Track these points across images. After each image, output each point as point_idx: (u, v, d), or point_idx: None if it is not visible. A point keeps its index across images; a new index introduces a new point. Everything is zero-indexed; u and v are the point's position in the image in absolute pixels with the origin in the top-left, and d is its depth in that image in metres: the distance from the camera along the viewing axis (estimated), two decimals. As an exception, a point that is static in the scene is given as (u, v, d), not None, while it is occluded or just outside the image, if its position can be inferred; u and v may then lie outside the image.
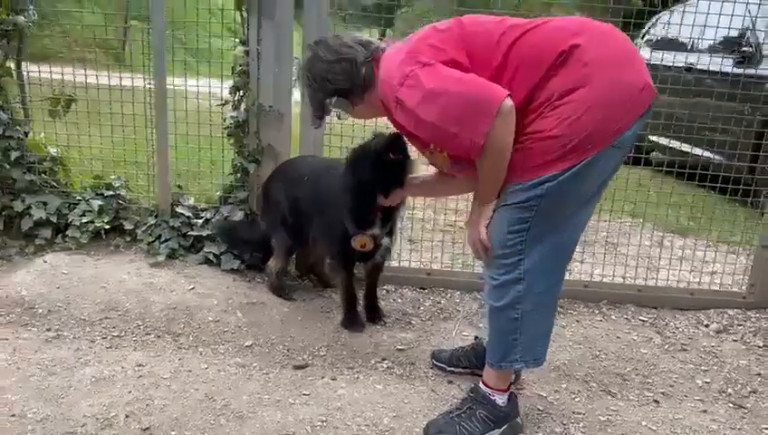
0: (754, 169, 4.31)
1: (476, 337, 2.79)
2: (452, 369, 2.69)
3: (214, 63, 3.49)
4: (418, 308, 3.31)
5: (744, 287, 3.56)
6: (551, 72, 1.91)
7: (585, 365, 2.83)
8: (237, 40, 3.23)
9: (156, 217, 3.45)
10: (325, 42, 2.30)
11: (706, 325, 3.35)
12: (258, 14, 3.13)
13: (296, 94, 3.27)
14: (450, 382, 2.62)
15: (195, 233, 3.39)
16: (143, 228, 3.44)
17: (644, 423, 2.42)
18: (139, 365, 2.49)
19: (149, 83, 3.29)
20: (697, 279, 3.60)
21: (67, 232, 3.42)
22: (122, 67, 3.46)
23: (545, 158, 1.92)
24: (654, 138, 5.53)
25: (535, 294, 2.12)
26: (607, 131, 1.91)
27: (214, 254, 3.35)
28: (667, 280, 3.58)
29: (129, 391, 2.31)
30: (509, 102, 1.87)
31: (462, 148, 1.96)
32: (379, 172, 2.60)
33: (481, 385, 2.28)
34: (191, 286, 3.14)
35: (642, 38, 6.83)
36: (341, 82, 2.21)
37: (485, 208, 2.12)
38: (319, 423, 2.24)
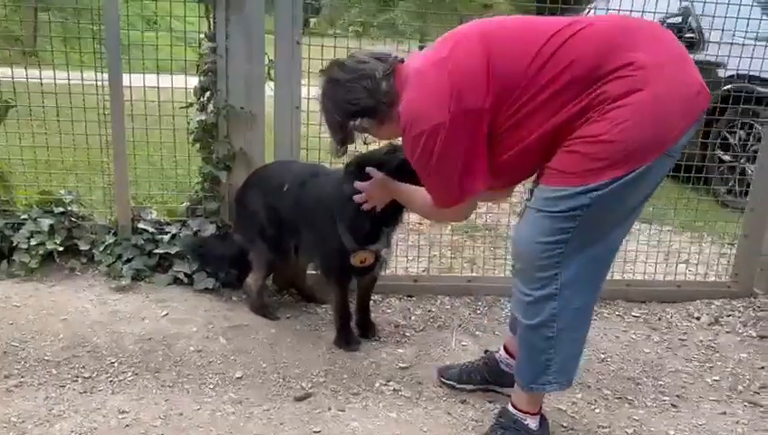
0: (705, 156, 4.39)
1: (486, 350, 2.62)
2: (462, 386, 2.51)
3: (176, 60, 3.14)
4: (410, 318, 3.11)
5: (727, 277, 3.57)
6: (604, 80, 1.74)
7: (594, 371, 2.71)
8: (203, 36, 2.91)
9: (115, 234, 3.10)
10: (339, 62, 2.11)
11: (697, 318, 3.32)
12: (226, 7, 2.83)
13: (269, 92, 3.01)
14: (464, 402, 2.44)
15: (161, 251, 3.06)
16: (101, 248, 3.07)
17: (671, 433, 2.33)
18: (123, 412, 2.18)
19: (102, 81, 2.92)
20: (673, 269, 3.56)
21: (13, 257, 3.02)
22: (71, 66, 3.05)
23: (595, 164, 1.75)
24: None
25: (572, 310, 1.96)
26: (662, 138, 1.76)
27: (185, 273, 3.04)
28: (654, 273, 3.53)
29: (117, 448, 2.02)
30: (473, 197, 2.01)
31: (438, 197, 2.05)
32: None
33: (510, 408, 2.12)
34: (164, 312, 2.83)
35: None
36: (365, 99, 2.01)
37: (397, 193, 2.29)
38: (339, 466, 2.02)
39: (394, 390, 2.48)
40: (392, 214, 2.53)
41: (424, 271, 3.42)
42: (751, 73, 3.56)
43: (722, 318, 3.32)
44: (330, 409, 2.32)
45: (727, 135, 4.92)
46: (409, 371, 2.63)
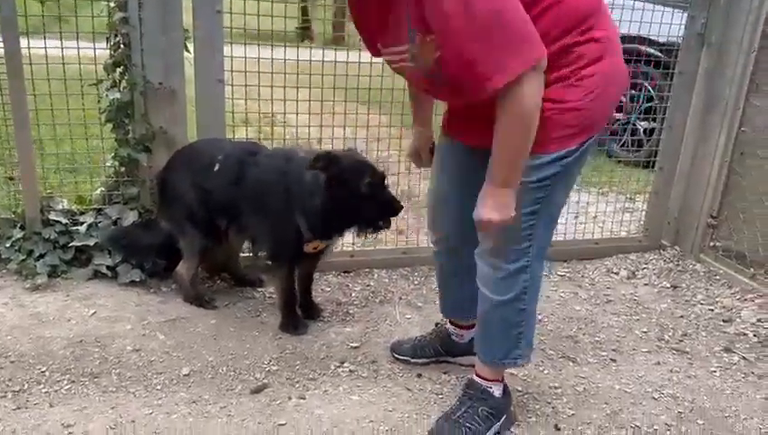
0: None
1: (437, 323, 2.63)
2: (416, 361, 2.52)
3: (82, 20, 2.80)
4: (350, 295, 3.07)
5: (640, 232, 3.80)
6: (585, 36, 1.71)
7: (535, 333, 2.80)
8: (113, 4, 2.62)
9: (22, 228, 2.79)
10: None
11: (616, 272, 3.53)
12: (137, -28, 2.57)
13: (188, 68, 2.79)
14: (420, 376, 2.45)
15: (77, 243, 2.79)
16: (7, 244, 2.76)
17: (617, 387, 2.46)
18: (68, 426, 1.98)
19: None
20: (584, 228, 3.74)
21: None
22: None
23: (566, 131, 1.75)
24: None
25: (537, 279, 2.01)
26: (611, 109, 1.85)
27: (107, 266, 2.80)
28: (574, 233, 3.69)
29: (71, 467, 1.84)
30: (545, 63, 1.60)
31: (472, 77, 1.57)
32: (368, 203, 2.36)
33: (477, 379, 2.15)
34: (91, 311, 2.60)
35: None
36: None
37: (503, 192, 1.73)
38: (315, 458, 1.96)
39: (350, 371, 2.44)
40: (355, 214, 2.43)
41: (359, 246, 3.36)
42: (641, 35, 3.73)
43: (638, 271, 3.54)
44: (290, 398, 2.24)
45: (620, 95, 5.19)
46: (361, 350, 2.59)
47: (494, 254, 1.93)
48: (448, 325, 2.51)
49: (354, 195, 2.34)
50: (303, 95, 3.07)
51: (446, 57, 1.60)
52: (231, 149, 2.66)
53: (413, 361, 2.52)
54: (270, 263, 2.71)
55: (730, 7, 3.32)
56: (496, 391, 2.13)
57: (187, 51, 2.78)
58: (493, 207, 1.74)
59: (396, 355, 2.54)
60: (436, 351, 2.52)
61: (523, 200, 1.82)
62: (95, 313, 2.59)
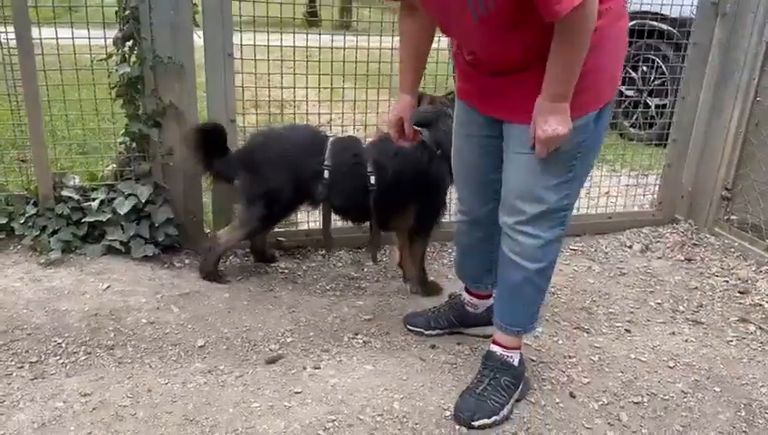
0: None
1: (451, 295, 2.62)
2: (430, 332, 2.52)
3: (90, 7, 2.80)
4: (363, 270, 3.07)
5: (653, 206, 3.77)
6: None
7: (548, 304, 2.79)
8: (122, -22, 2.62)
9: (35, 204, 2.79)
10: None
11: (630, 246, 3.51)
12: (146, -55, 2.55)
13: (197, 41, 2.77)
14: (434, 347, 2.44)
15: (90, 219, 2.80)
16: (21, 221, 2.77)
17: (632, 356, 2.45)
18: (85, 395, 1.99)
19: (5, 37, 2.58)
20: (597, 202, 3.72)
21: None
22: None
23: (590, 95, 1.77)
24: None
25: (559, 249, 2.03)
26: (620, 73, 1.88)
27: (120, 241, 2.80)
28: (588, 208, 3.66)
29: (90, 433, 1.84)
30: None
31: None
32: None
33: (496, 349, 2.14)
34: (105, 285, 2.61)
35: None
36: None
37: (562, 107, 1.73)
38: (330, 425, 1.95)
39: (364, 342, 2.44)
40: None
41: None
42: (652, 9, 3.68)
43: (652, 245, 3.52)
44: (305, 368, 2.24)
45: (630, 70, 5.15)
46: (374, 322, 2.59)
47: (531, 221, 1.92)
48: (464, 295, 2.50)
49: None
50: (313, 81, 3.06)
51: None
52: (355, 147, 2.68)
53: (426, 332, 2.52)
54: (415, 235, 2.76)
55: (744, -25, 3.27)
56: (516, 359, 2.13)
57: (196, 26, 2.76)
58: (558, 121, 1.74)
59: (410, 327, 2.54)
60: (449, 322, 2.51)
61: (559, 170, 1.85)
62: (109, 287, 2.60)
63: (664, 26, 4.75)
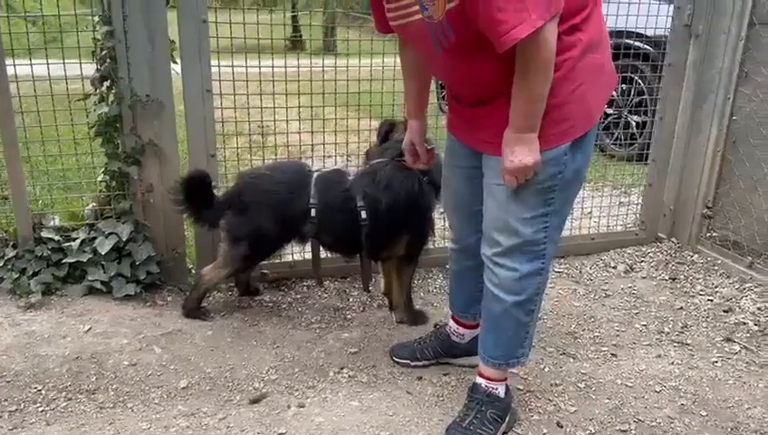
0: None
1: (436, 324, 2.62)
2: (416, 363, 2.50)
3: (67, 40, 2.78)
4: (348, 300, 3.05)
5: (636, 226, 3.79)
6: (577, 27, 1.72)
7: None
8: (97, 18, 2.61)
9: (14, 247, 2.77)
10: None
11: (614, 267, 3.52)
12: (121, -15, 2.56)
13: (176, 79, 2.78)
14: (420, 378, 2.43)
15: (71, 260, 2.77)
16: (0, 264, 2.74)
17: (619, 381, 2.45)
18: (65, 445, 1.97)
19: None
20: (580, 223, 3.74)
21: None
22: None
23: (565, 124, 1.77)
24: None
25: (547, 279, 2.03)
26: (603, 102, 1.87)
27: (101, 281, 2.78)
28: (570, 229, 3.67)
29: (70, 486, 1.82)
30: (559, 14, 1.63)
31: (495, 28, 1.57)
32: None
33: (481, 381, 2.12)
34: (87, 327, 2.58)
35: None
36: None
37: (530, 137, 1.74)
38: (316, 466, 1.94)
39: (349, 376, 2.43)
40: None
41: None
42: (631, 30, 3.73)
43: (636, 265, 3.53)
44: (289, 406, 2.22)
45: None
46: (360, 355, 2.57)
47: (507, 252, 1.92)
48: (449, 325, 2.49)
49: None
50: (295, 103, 3.07)
51: (468, 9, 1.60)
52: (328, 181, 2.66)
53: (413, 364, 2.50)
54: (404, 262, 2.77)
55: (716, -3, 3.32)
56: (501, 391, 2.12)
57: (174, 62, 2.77)
58: (525, 151, 1.75)
59: (396, 359, 2.52)
60: (436, 352, 2.50)
61: (535, 203, 1.85)
62: (90, 328, 2.57)
63: (640, 44, 4.83)
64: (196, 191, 2.67)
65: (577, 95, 1.75)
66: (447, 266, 3.22)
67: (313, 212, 2.58)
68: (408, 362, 2.50)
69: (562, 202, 1.91)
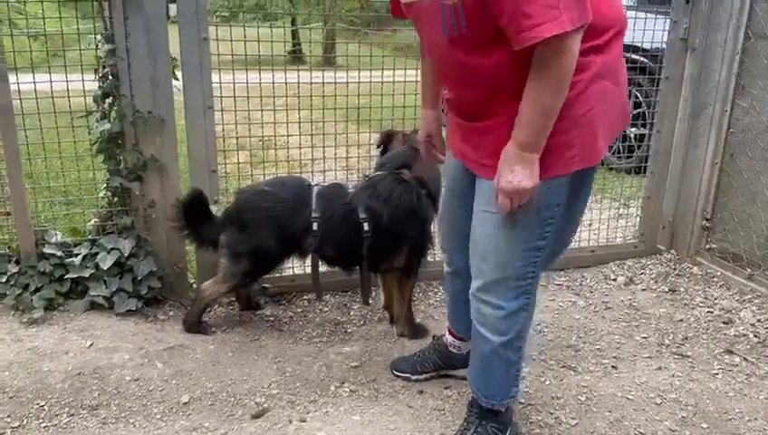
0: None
1: (434, 336, 2.63)
2: (417, 377, 2.51)
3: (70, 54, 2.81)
4: (349, 314, 3.06)
5: (635, 238, 3.80)
6: (608, 42, 1.67)
7: (534, 343, 2.79)
8: (99, 37, 2.65)
9: (17, 263, 2.79)
10: None
11: (614, 279, 3.53)
12: (123, 4, 2.58)
13: (177, 95, 2.80)
14: (422, 392, 2.44)
15: (73, 275, 2.79)
16: (3, 280, 2.75)
17: (619, 395, 2.45)
18: (67, 461, 1.97)
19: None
20: (581, 236, 3.74)
21: None
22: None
23: (575, 152, 1.68)
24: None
25: (532, 313, 1.99)
26: (609, 138, 1.78)
27: (103, 296, 2.79)
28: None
29: (72, 502, 1.82)
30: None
31: (519, 22, 1.46)
32: None
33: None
34: (89, 342, 2.59)
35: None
36: None
37: (531, 157, 1.62)
38: (318, 481, 1.94)
39: (351, 391, 2.43)
40: None
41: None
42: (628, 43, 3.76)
43: (635, 277, 3.54)
44: (291, 421, 2.23)
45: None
46: (361, 369, 2.58)
47: (491, 287, 1.86)
48: (447, 336, 2.49)
49: None
50: (296, 117, 3.10)
51: (506, 18, 1.49)
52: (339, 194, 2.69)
53: (414, 377, 2.51)
54: (404, 275, 2.78)
55: (711, 11, 3.35)
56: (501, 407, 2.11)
57: (176, 78, 2.80)
58: (525, 173, 1.63)
59: (396, 373, 2.53)
60: (435, 365, 2.51)
61: (529, 235, 1.77)
62: (92, 344, 2.58)
63: (637, 57, 4.86)
64: (194, 211, 2.70)
65: (585, 121, 1.66)
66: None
67: (315, 226, 2.60)
68: (409, 375, 2.51)
69: (557, 238, 1.85)
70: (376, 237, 2.61)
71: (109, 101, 2.73)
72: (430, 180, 2.69)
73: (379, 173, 2.72)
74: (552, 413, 2.32)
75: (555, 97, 1.57)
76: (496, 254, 1.81)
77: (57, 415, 2.19)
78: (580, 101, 1.64)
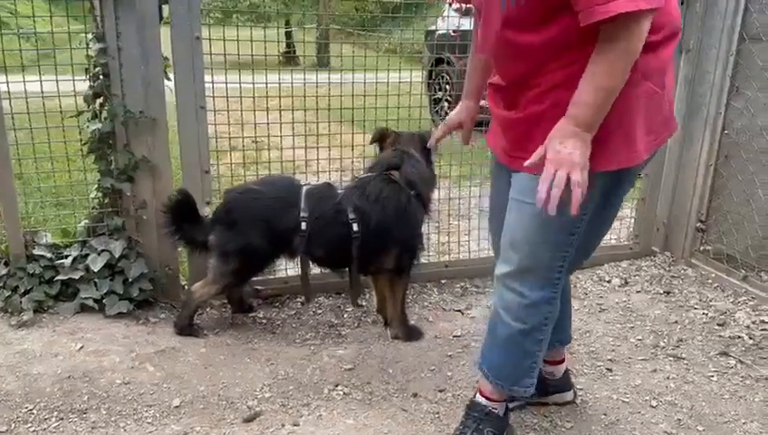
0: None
1: None
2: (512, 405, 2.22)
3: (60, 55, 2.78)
4: (343, 316, 3.04)
5: (630, 240, 3.80)
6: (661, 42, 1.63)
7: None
8: (91, 36, 2.62)
9: (6, 264, 2.75)
10: None
11: (608, 281, 3.52)
12: (114, 3, 2.56)
13: (169, 95, 2.77)
14: (415, 395, 2.42)
15: (63, 277, 2.76)
16: (-8, 282, 2.72)
17: (614, 397, 2.44)
18: (56, 466, 1.94)
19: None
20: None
21: None
22: None
23: (613, 148, 1.63)
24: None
25: (557, 309, 1.93)
26: (653, 143, 1.73)
27: (93, 299, 2.75)
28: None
29: (60, 508, 1.79)
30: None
31: None
32: None
33: (480, 399, 2.08)
34: (79, 345, 2.55)
35: (451, 5, 7.00)
36: None
37: (585, 136, 1.57)
38: (310, 486, 1.92)
39: (344, 394, 2.41)
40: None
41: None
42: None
43: (630, 279, 3.53)
44: (283, 425, 2.20)
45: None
46: (355, 371, 2.56)
47: (517, 276, 1.83)
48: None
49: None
50: (289, 119, 3.08)
51: None
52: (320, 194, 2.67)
53: (511, 406, 2.20)
54: (395, 277, 2.76)
55: (705, 13, 3.35)
56: (500, 410, 2.08)
57: (168, 78, 2.77)
58: (577, 146, 1.56)
59: None
60: None
61: (561, 227, 1.73)
62: (83, 347, 2.54)
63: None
64: (182, 213, 2.68)
65: (626, 118, 1.63)
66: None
67: (304, 225, 2.58)
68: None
69: (587, 237, 1.82)
70: (365, 238, 2.60)
71: (100, 101, 2.70)
72: (421, 182, 2.68)
73: (368, 174, 2.72)
74: (546, 416, 2.30)
75: (616, 76, 1.53)
76: (526, 243, 1.79)
77: (46, 419, 2.16)
78: (622, 97, 1.59)
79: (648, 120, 1.68)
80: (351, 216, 2.59)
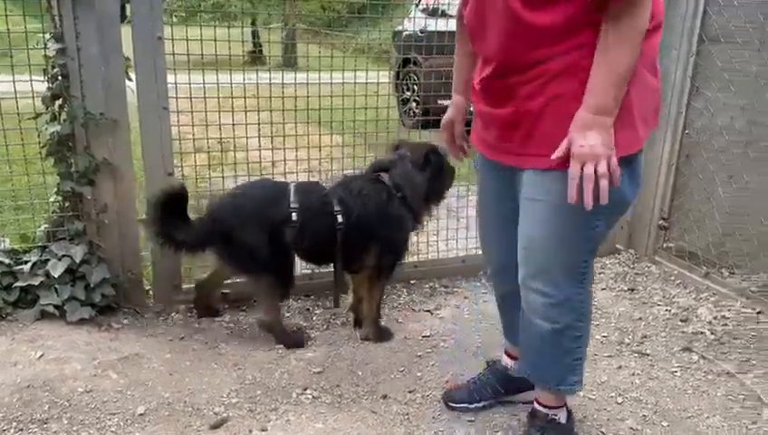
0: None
1: (489, 362, 2.43)
2: (476, 405, 2.31)
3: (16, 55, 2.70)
4: (312, 318, 3.02)
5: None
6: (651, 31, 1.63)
7: (496, 343, 2.78)
8: (48, 35, 2.54)
9: (-38, 271, 2.66)
10: None
11: (575, 279, 3.55)
12: (73, 2, 2.49)
13: (130, 96, 2.72)
14: (385, 397, 2.41)
15: (22, 283, 2.68)
16: (-54, 289, 2.63)
17: (581, 394, 2.44)
18: (15, 479, 1.88)
19: None
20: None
21: None
22: None
23: (620, 134, 1.59)
24: (443, 101, 5.66)
25: (589, 302, 1.92)
26: (647, 129, 1.75)
27: (54, 305, 2.68)
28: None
29: None
30: None
31: None
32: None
33: (540, 408, 2.06)
34: (39, 353, 2.48)
35: (417, 5, 7.02)
36: None
37: (605, 121, 1.55)
38: (279, 492, 1.89)
39: (313, 397, 2.39)
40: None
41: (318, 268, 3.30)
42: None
43: (595, 276, 3.57)
44: (251, 431, 2.17)
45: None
46: (324, 374, 2.54)
47: (540, 276, 1.79)
48: (504, 359, 2.36)
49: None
50: (255, 119, 3.05)
51: None
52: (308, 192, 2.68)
53: (472, 406, 2.31)
54: (376, 278, 2.78)
55: (666, 15, 3.40)
56: (562, 417, 2.06)
57: (129, 79, 2.71)
58: (597, 138, 1.54)
59: (452, 404, 2.32)
60: (495, 391, 2.33)
61: (579, 222, 1.70)
62: (43, 355, 2.48)
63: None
64: (171, 211, 2.55)
65: (626, 102, 1.60)
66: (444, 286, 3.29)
67: (294, 216, 2.59)
68: (467, 405, 2.31)
69: (605, 227, 1.78)
70: (348, 230, 2.63)
71: (59, 102, 2.62)
72: (408, 186, 2.70)
73: (355, 174, 2.82)
74: (515, 415, 2.31)
75: (628, 55, 1.53)
76: (544, 241, 1.76)
77: (5, 430, 2.09)
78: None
79: (643, 108, 1.69)
80: (337, 207, 2.63)
